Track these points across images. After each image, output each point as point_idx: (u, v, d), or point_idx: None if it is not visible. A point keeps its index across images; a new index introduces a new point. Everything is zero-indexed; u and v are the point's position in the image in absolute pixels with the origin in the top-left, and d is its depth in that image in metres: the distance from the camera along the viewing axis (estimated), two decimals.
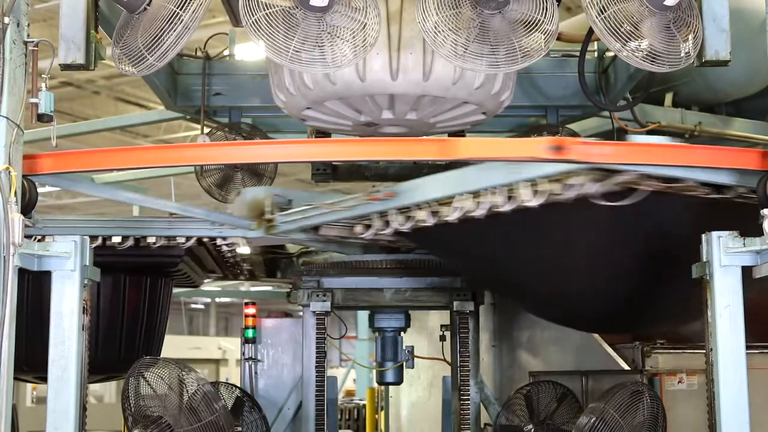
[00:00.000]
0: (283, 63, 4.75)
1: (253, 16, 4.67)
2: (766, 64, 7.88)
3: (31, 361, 6.49)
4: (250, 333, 8.65)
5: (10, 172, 4.62)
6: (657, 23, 4.89)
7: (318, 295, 7.63)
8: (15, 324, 4.80)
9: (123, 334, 7.85)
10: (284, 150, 5.28)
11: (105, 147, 6.84)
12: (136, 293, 7.86)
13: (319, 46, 4.73)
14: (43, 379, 5.39)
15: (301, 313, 8.34)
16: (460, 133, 6.25)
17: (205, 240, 6.63)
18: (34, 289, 6.66)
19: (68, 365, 5.22)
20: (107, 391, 25.51)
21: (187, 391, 6.15)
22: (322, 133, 6.34)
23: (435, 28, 4.77)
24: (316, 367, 7.74)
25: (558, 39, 6.97)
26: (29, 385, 21.01)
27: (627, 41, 4.86)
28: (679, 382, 8.60)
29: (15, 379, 4.95)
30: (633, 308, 6.45)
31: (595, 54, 7.41)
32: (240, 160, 4.95)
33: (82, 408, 5.40)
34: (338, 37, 4.74)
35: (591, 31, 6.31)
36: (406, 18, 5.34)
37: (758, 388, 5.71)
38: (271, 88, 5.96)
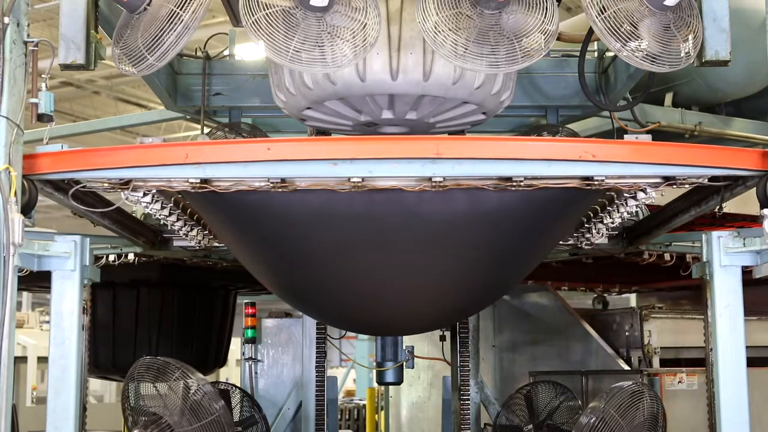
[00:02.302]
0: (283, 63, 4.75)
1: (253, 16, 4.67)
2: (766, 64, 7.88)
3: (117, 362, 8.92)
4: (250, 333, 8.67)
5: (10, 172, 4.62)
6: (657, 23, 4.89)
7: None
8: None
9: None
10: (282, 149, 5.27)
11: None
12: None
13: (319, 46, 4.72)
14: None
15: (301, 313, 8.34)
16: (460, 133, 6.25)
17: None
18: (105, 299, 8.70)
19: (68, 365, 5.22)
20: (107, 391, 25.49)
21: (187, 391, 6.15)
22: (321, 133, 6.34)
23: (435, 28, 4.76)
24: (316, 367, 7.74)
25: (558, 39, 6.97)
26: (29, 385, 21.00)
27: (627, 41, 4.86)
28: (679, 381, 8.62)
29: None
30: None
31: (595, 54, 7.41)
32: (247, 158, 4.93)
33: (82, 408, 5.40)
34: (338, 37, 4.74)
35: (591, 31, 6.31)
36: (406, 18, 5.34)
37: (758, 388, 5.74)
38: (271, 88, 5.97)
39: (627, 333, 9.19)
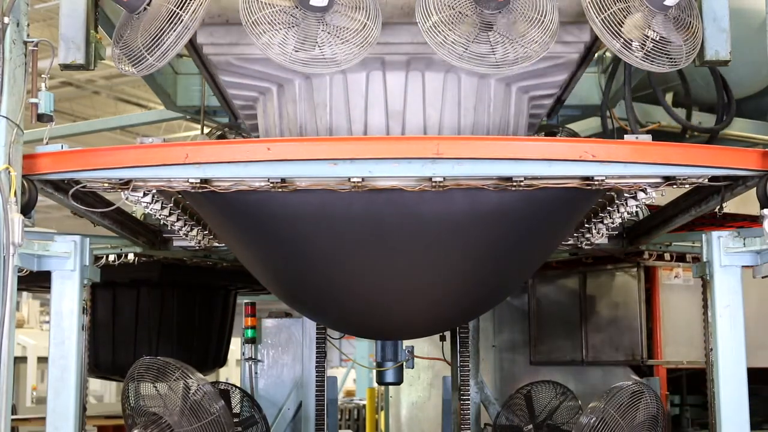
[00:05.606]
0: (283, 63, 4.75)
1: (253, 16, 4.67)
2: (767, 64, 7.88)
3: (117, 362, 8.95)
4: (250, 333, 8.67)
5: (10, 172, 4.62)
6: (657, 23, 4.89)
7: None
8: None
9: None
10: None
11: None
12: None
13: (319, 46, 4.72)
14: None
15: None
16: None
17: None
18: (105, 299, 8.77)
19: (68, 365, 5.22)
20: (107, 391, 25.49)
21: (187, 391, 6.15)
22: None
23: (435, 27, 4.76)
24: (316, 367, 7.73)
25: None
26: (29, 385, 21.02)
27: (626, 41, 4.85)
28: (676, 276, 8.59)
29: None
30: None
31: (596, 54, 7.42)
32: (247, 158, 4.94)
33: (82, 408, 5.40)
34: (338, 37, 4.74)
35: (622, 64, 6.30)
36: (409, 115, 5.38)
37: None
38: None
39: None
